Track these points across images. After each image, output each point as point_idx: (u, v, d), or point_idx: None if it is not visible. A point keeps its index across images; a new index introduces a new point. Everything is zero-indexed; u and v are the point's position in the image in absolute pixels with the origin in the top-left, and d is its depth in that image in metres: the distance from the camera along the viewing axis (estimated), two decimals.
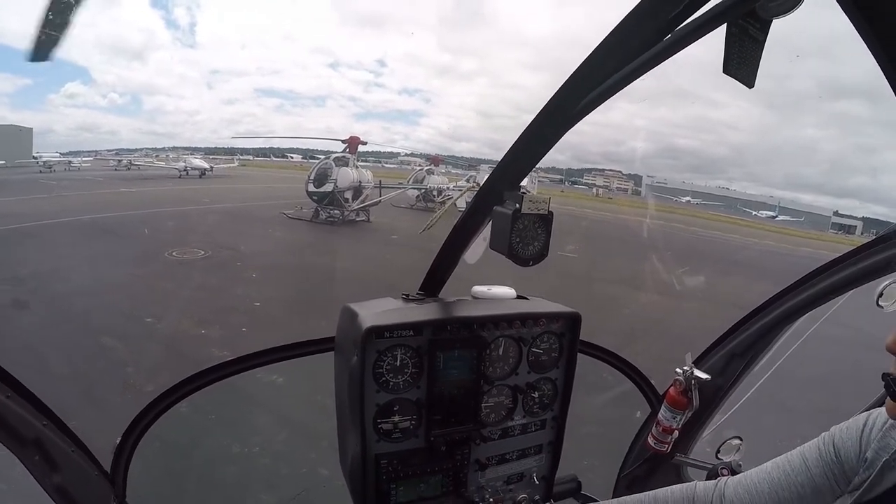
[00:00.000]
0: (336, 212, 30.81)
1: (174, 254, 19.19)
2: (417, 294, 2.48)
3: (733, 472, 2.53)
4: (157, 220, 25.67)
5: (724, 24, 1.36)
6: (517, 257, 2.00)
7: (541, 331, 2.38)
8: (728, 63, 1.43)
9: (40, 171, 44.84)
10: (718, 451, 2.73)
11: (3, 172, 37.76)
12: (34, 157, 49.28)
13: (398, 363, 2.14)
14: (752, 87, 1.46)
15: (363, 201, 32.02)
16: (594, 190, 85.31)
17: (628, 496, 1.99)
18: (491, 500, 2.46)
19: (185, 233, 22.51)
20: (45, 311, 12.86)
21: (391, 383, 2.14)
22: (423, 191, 39.93)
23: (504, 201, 2.03)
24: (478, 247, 2.34)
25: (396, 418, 2.18)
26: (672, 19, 1.37)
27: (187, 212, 28.68)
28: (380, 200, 33.80)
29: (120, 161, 56.83)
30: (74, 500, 2.02)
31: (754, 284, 17.20)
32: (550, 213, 2.02)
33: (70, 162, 51.04)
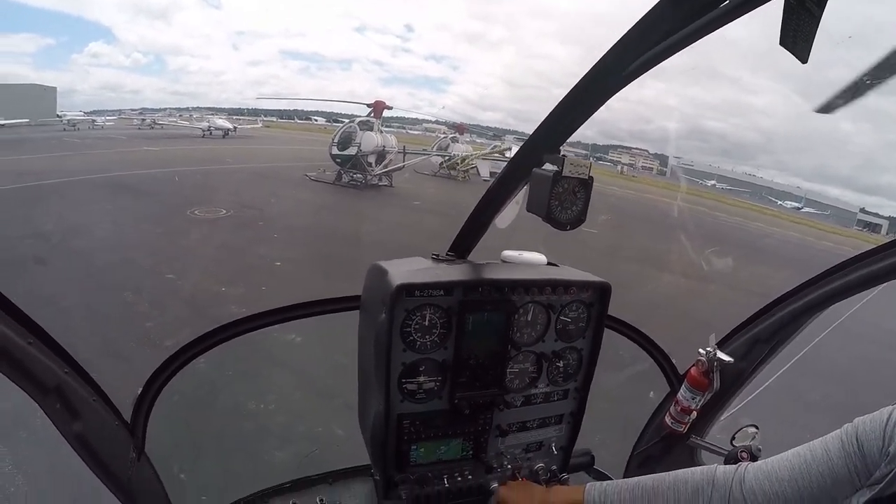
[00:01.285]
0: (359, 175, 30.72)
1: (196, 212, 19.32)
2: (447, 255, 2.45)
3: (753, 458, 2.49)
4: (179, 180, 25.87)
5: None
6: (555, 220, 1.94)
7: (570, 299, 2.32)
8: (784, 35, 1.34)
9: (64, 130, 45.01)
10: (734, 438, 2.68)
11: (27, 131, 38.05)
12: (58, 116, 49.72)
13: (426, 323, 2.10)
14: (806, 62, 1.37)
15: (386, 166, 31.92)
16: (619, 167, 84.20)
17: (647, 475, 1.94)
18: (509, 466, 2.45)
19: (208, 192, 22.67)
20: (67, 265, 13.02)
21: (418, 343, 2.11)
22: (446, 158, 39.66)
23: (543, 164, 1.98)
24: (510, 211, 2.31)
25: (421, 378, 2.16)
26: None
27: (210, 171, 28.85)
28: (403, 166, 33.78)
29: (143, 120, 57.01)
30: (94, 449, 2.03)
31: (775, 273, 17.03)
32: (591, 178, 1.95)
33: (94, 121, 51.25)
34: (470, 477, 2.35)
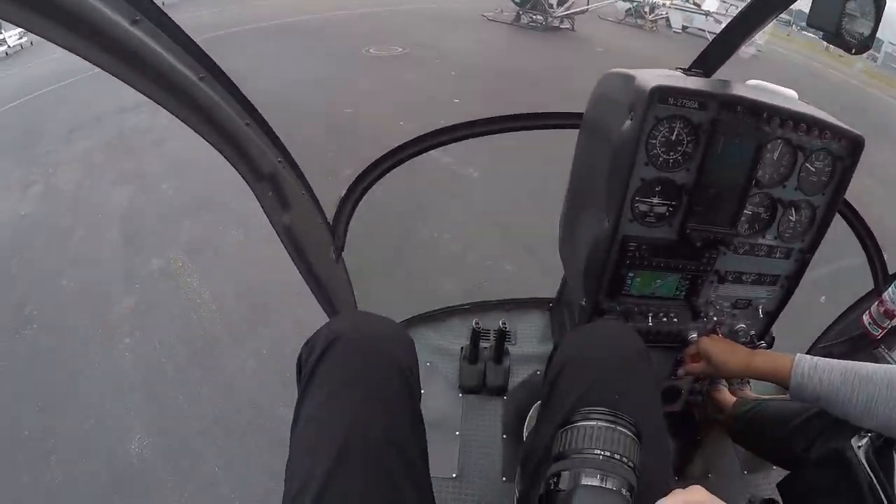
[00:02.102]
0: (539, 17, 28.80)
1: (371, 51, 19.24)
2: (695, 70, 2.28)
3: None
4: (352, 21, 25.76)
5: None
6: (842, 39, 1.62)
7: (820, 146, 2.08)
8: None
9: None
10: None
11: None
12: None
13: (674, 137, 1.95)
14: None
15: (569, 8, 29.47)
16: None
17: (862, 363, 1.78)
18: (715, 318, 2.40)
19: (383, 33, 22.42)
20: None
21: (661, 159, 1.99)
22: (634, 4, 36.02)
23: None
24: (755, 40, 1.82)
25: (655, 200, 2.06)
26: None
27: (381, 12, 28.31)
28: (587, 9, 31.22)
29: None
30: (299, 241, 2.06)
31: None
32: None
33: None
34: (675, 320, 2.37)
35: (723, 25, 2.55)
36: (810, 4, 1.71)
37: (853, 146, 2.12)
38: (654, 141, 1.95)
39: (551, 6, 28.90)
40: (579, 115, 2.37)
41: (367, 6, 29.24)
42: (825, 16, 1.64)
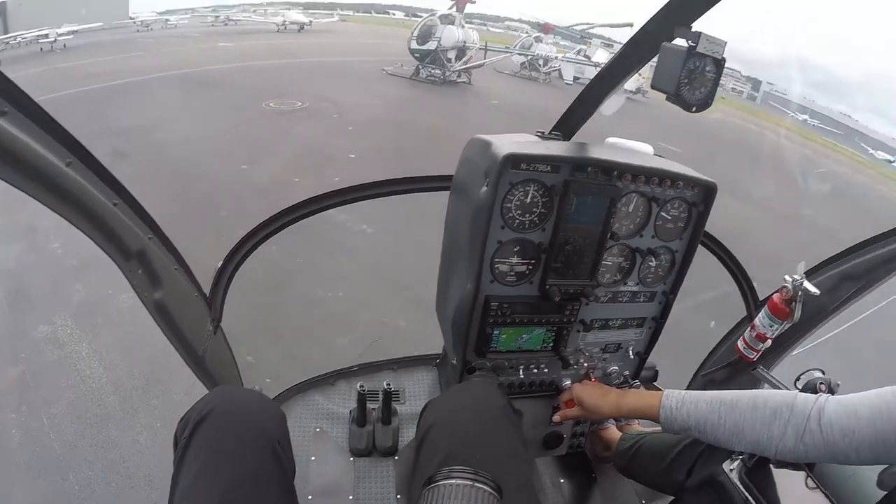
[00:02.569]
0: (437, 71, 30.07)
1: (271, 104, 19.47)
2: (553, 133, 2.36)
3: (831, 392, 2.28)
4: (254, 74, 25.95)
5: None
6: (682, 100, 1.79)
7: (674, 195, 2.21)
8: None
9: (138, 31, 45.07)
10: (798, 380, 2.56)
11: (102, 35, 38.40)
12: (131, 18, 49.53)
13: (528, 200, 2.02)
14: None
15: (466, 63, 31.07)
16: None
17: (726, 391, 1.88)
18: (585, 364, 2.45)
19: (283, 85, 22.70)
20: (143, 158, 13.32)
21: (517, 221, 2.04)
22: (528, 58, 38.25)
23: (674, 39, 1.82)
24: (617, 99, 2.24)
25: (514, 260, 2.11)
26: None
27: (285, 65, 28.86)
28: (483, 63, 32.80)
29: (217, 17, 56.44)
30: (172, 317, 2.04)
31: (853, 225, 16.15)
32: (723, 60, 1.80)
33: (167, 20, 51.04)
34: (546, 371, 2.41)
35: None
36: (654, 69, 1.87)
37: (706, 193, 2.25)
38: (509, 205, 2.02)
39: (449, 60, 30.25)
40: (450, 178, 2.39)
41: (271, 59, 29.82)
42: (666, 80, 1.80)
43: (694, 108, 1.81)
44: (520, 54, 38.93)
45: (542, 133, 2.34)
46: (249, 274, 2.61)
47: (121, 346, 6.99)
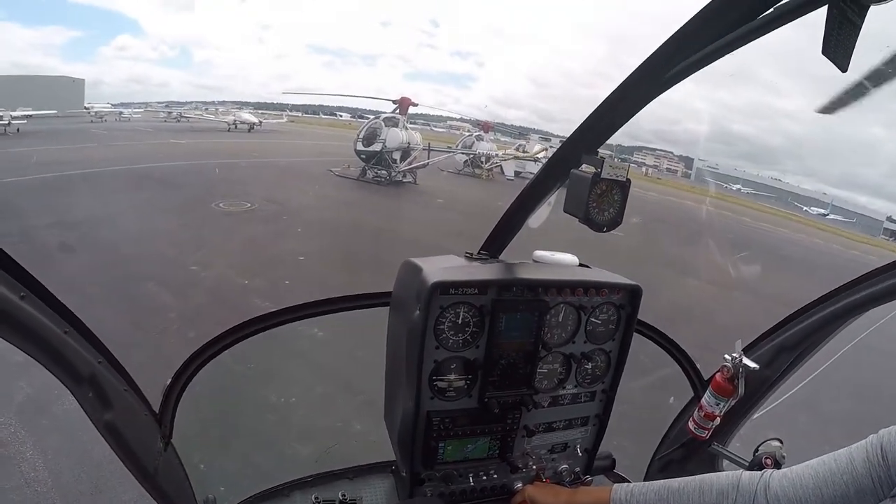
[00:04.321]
0: (383, 172, 30.81)
1: (220, 205, 19.54)
2: (481, 254, 2.48)
3: (777, 466, 2.46)
4: (204, 172, 26.19)
5: (826, 5, 1.31)
6: (592, 222, 1.95)
7: (601, 301, 2.34)
8: (826, 45, 1.37)
9: (92, 122, 45.79)
10: (757, 450, 2.65)
11: (55, 122, 38.87)
12: (86, 108, 50.36)
13: (459, 321, 2.13)
14: (846, 71, 1.40)
15: (411, 163, 32.00)
16: (644, 169, 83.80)
17: (674, 479, 1.95)
18: (534, 467, 2.47)
19: (232, 185, 22.89)
20: (93, 255, 13.29)
21: (451, 341, 2.14)
22: (471, 156, 39.60)
23: (581, 165, 2.00)
24: (543, 212, 2.33)
25: (452, 377, 2.18)
26: None
27: (235, 165, 29.21)
28: (427, 163, 33.81)
29: (170, 113, 57.53)
30: (123, 437, 2.04)
31: (800, 281, 16.86)
32: (628, 181, 1.97)
33: (121, 113, 51.97)
34: (495, 476, 2.43)
35: None
36: (566, 194, 2.04)
37: (631, 295, 2.39)
38: (441, 327, 2.10)
39: (395, 161, 31.02)
40: (390, 294, 2.46)
41: (221, 157, 30.11)
42: (576, 205, 1.96)
43: (605, 228, 1.97)
44: (462, 153, 40.30)
45: (470, 254, 2.46)
46: (201, 379, 2.62)
47: (68, 448, 6.69)
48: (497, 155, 39.09)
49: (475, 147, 40.52)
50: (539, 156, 35.89)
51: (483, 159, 38.98)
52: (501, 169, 37.99)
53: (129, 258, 13.29)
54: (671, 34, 1.54)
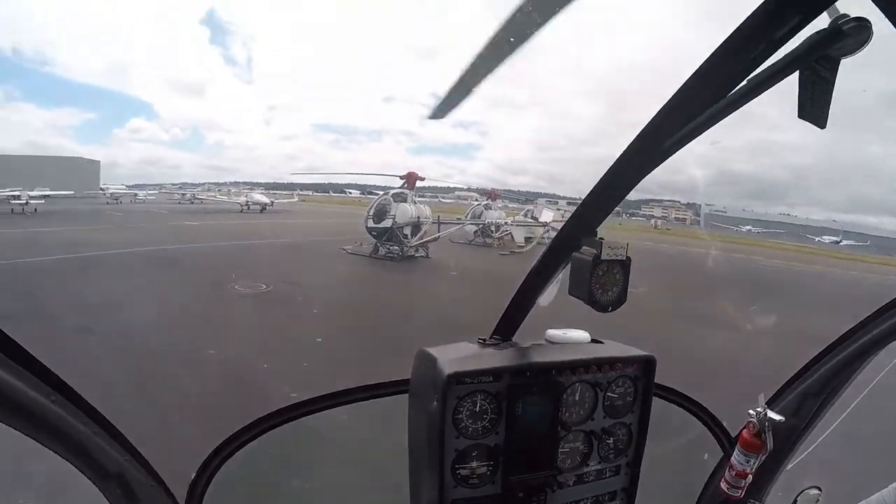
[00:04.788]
0: (395, 247, 31.11)
1: (237, 287, 19.68)
2: (493, 339, 2.47)
3: None
4: (219, 253, 26.78)
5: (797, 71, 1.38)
6: (597, 303, 2.01)
7: (616, 375, 2.36)
8: (802, 108, 1.44)
9: (107, 203, 47.14)
10: (795, 501, 2.61)
11: (72, 203, 40.00)
12: (101, 189, 51.73)
13: (477, 409, 2.15)
14: (824, 127, 1.46)
15: (422, 237, 32.27)
16: (652, 221, 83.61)
17: None
18: None
19: (248, 266, 23.13)
20: (110, 337, 13.34)
21: (470, 429, 2.16)
22: (480, 226, 39.93)
23: (582, 247, 2.05)
24: (552, 290, 2.33)
25: (474, 464, 2.18)
26: (750, 61, 1.39)
27: (249, 245, 29.71)
28: (438, 236, 34.06)
29: (184, 195, 58.56)
30: None
31: (819, 315, 16.58)
32: (628, 259, 2.04)
33: (136, 194, 53.07)
34: None
35: None
36: (569, 277, 2.09)
37: (646, 366, 2.40)
38: (460, 416, 2.13)
39: (406, 236, 31.38)
40: (408, 382, 2.45)
41: (236, 238, 30.81)
42: (580, 288, 2.01)
43: (609, 308, 2.02)
44: (472, 223, 40.57)
45: (483, 340, 2.44)
46: (228, 471, 2.62)
47: None
48: (506, 223, 39.29)
49: (484, 216, 40.81)
50: (548, 221, 36.01)
51: (493, 228, 39.21)
52: (512, 236, 38.08)
53: (147, 342, 13.39)
54: (652, 116, 1.61)
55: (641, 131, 1.69)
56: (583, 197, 2.06)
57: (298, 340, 14.44)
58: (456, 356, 2.21)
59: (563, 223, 2.26)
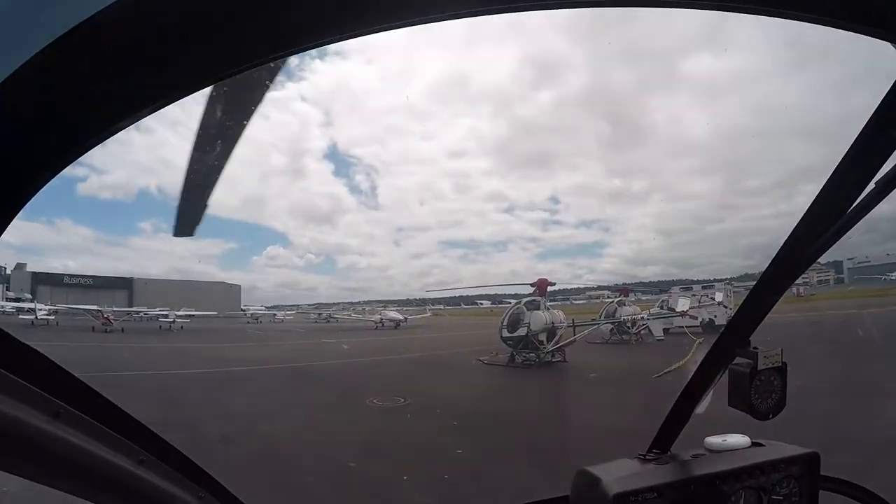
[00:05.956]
0: (532, 355, 30.52)
1: (375, 401, 19.90)
2: (653, 453, 2.49)
3: None
4: (357, 369, 27.54)
5: None
6: (757, 412, 2.04)
7: (780, 476, 2.29)
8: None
9: (248, 322, 50.08)
10: None
11: (216, 322, 43.03)
12: (242, 310, 54.87)
13: None
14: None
15: (558, 342, 31.63)
16: (795, 290, 77.74)
17: None
18: None
19: (385, 381, 23.60)
20: (253, 451, 13.61)
21: None
22: (616, 324, 38.53)
23: (735, 359, 2.08)
24: (707, 398, 2.39)
25: None
26: None
27: (385, 361, 30.14)
28: (574, 339, 33.17)
29: (320, 314, 60.85)
30: None
31: None
32: (784, 365, 2.03)
33: (274, 315, 55.78)
34: None
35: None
36: (728, 389, 2.16)
37: (809, 463, 2.33)
38: None
39: (542, 343, 30.82)
40: (566, 499, 2.44)
41: (372, 354, 31.54)
42: (740, 399, 2.05)
43: (770, 416, 2.08)
44: (607, 323, 39.29)
45: (643, 456, 2.45)
46: None
47: None
48: (642, 317, 37.83)
49: (618, 313, 39.35)
50: (686, 310, 34.34)
51: (629, 324, 37.78)
52: (649, 330, 36.57)
53: (287, 452, 13.70)
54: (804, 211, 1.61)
55: (787, 239, 1.70)
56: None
57: (436, 453, 14.29)
58: (618, 475, 2.22)
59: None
